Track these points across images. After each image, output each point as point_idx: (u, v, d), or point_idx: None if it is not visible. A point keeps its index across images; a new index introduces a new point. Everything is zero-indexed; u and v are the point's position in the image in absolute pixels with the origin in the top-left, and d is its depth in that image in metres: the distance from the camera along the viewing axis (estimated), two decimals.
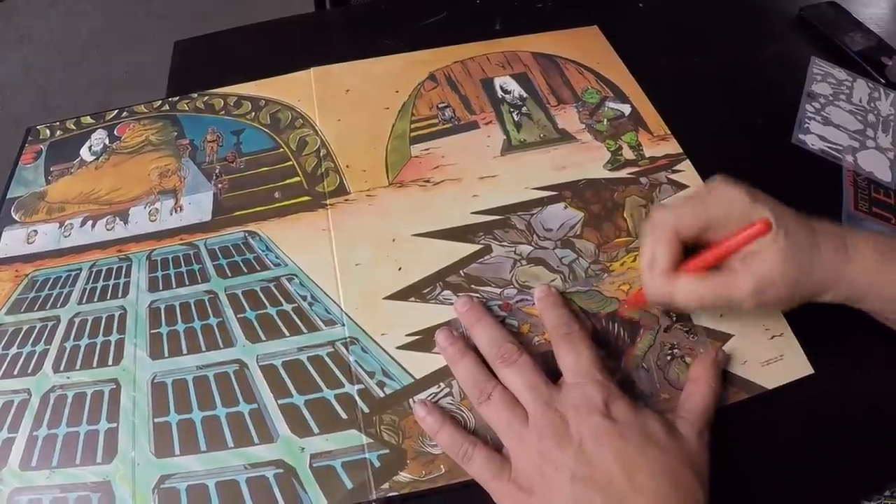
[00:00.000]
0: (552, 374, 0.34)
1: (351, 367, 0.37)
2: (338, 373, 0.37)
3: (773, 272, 0.32)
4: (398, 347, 0.37)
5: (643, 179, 0.45)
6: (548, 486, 0.29)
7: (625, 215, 0.43)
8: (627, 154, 0.47)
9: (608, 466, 0.29)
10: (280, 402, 0.36)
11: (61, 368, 0.38)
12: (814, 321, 0.37)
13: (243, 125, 0.51)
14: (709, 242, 0.34)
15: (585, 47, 0.56)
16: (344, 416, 0.35)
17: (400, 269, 0.41)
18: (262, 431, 0.35)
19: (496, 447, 0.33)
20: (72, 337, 0.39)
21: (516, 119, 0.50)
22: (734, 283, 0.32)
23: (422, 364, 0.37)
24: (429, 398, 0.35)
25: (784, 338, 0.37)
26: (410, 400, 0.35)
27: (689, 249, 0.35)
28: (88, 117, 0.53)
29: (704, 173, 0.45)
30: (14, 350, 0.39)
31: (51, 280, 0.42)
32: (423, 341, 0.37)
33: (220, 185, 0.47)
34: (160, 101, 0.53)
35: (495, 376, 0.34)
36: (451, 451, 0.33)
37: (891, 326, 0.36)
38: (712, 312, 0.38)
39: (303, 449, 0.34)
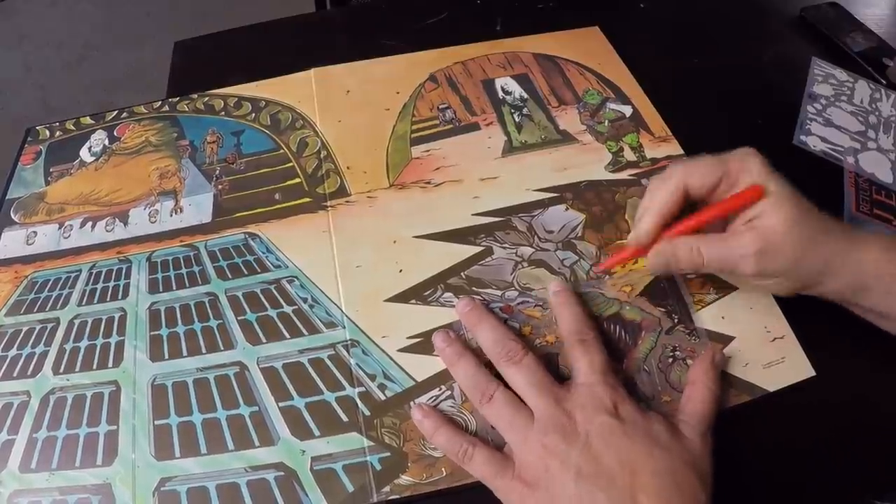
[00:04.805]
0: (554, 375, 0.34)
1: (352, 369, 0.37)
2: (339, 375, 0.37)
3: (777, 234, 0.32)
4: (399, 350, 0.37)
5: (645, 181, 0.45)
6: (552, 481, 0.29)
7: (626, 217, 0.43)
8: (629, 155, 0.47)
9: (613, 464, 0.29)
10: (281, 404, 0.36)
11: (61, 370, 0.38)
12: (816, 323, 0.37)
13: (243, 126, 0.51)
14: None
15: (586, 48, 0.56)
16: (345, 418, 0.35)
17: (401, 271, 0.41)
18: (263, 434, 0.35)
19: (497, 448, 0.33)
20: (71, 339, 0.39)
21: (517, 120, 0.50)
22: (738, 241, 0.33)
23: (423, 367, 0.37)
24: (430, 401, 0.35)
25: (786, 340, 0.37)
26: (411, 403, 0.35)
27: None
28: (88, 118, 0.53)
29: None
30: (13, 352, 0.39)
31: (50, 281, 0.42)
32: (424, 344, 0.37)
33: (220, 187, 0.46)
34: (160, 102, 0.53)
35: (496, 378, 0.34)
36: (450, 451, 0.33)
37: (888, 330, 0.35)
38: (714, 312, 0.38)
39: (304, 452, 0.34)
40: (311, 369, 0.37)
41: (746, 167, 0.34)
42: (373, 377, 0.36)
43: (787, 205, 0.32)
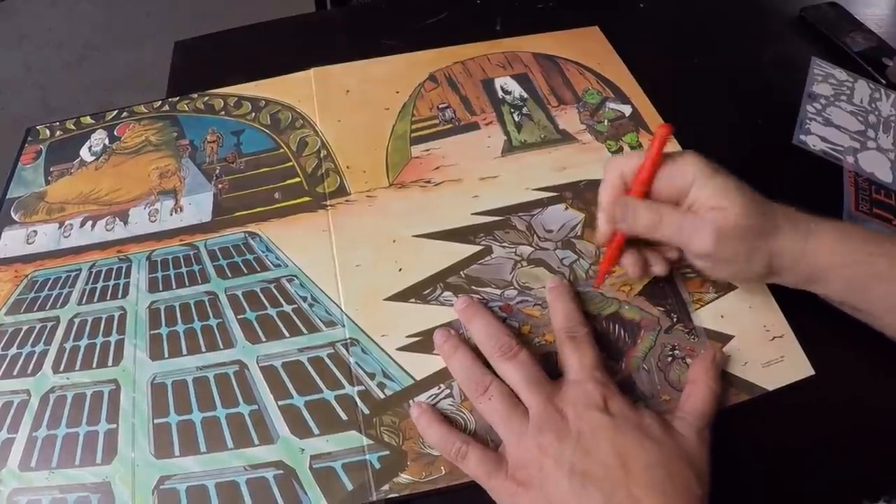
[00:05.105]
0: (551, 373, 0.34)
1: (351, 368, 0.37)
2: (338, 374, 0.37)
3: (729, 225, 0.32)
4: (398, 349, 0.37)
5: None
6: (546, 480, 0.29)
7: None
8: None
9: (605, 458, 0.29)
10: (280, 403, 0.36)
11: (61, 369, 0.38)
12: (815, 322, 0.37)
13: (243, 126, 0.51)
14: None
15: (586, 48, 0.56)
16: (344, 417, 0.35)
17: (400, 270, 0.41)
18: (262, 432, 0.35)
19: (495, 446, 0.33)
20: (71, 337, 0.39)
21: (517, 120, 0.50)
22: (697, 217, 0.33)
23: (422, 365, 0.37)
24: (429, 399, 0.35)
25: (785, 339, 0.37)
26: (410, 401, 0.35)
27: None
28: (88, 117, 0.53)
29: None
30: (14, 350, 0.39)
31: (50, 280, 0.42)
32: (424, 343, 0.37)
33: (220, 186, 0.47)
34: (160, 102, 0.53)
35: (491, 373, 0.34)
36: (443, 450, 0.33)
37: (857, 317, 0.35)
38: (713, 311, 0.38)
39: (303, 450, 0.34)
40: (310, 368, 0.37)
41: (685, 162, 0.34)
42: (372, 376, 0.36)
43: (738, 197, 0.33)
